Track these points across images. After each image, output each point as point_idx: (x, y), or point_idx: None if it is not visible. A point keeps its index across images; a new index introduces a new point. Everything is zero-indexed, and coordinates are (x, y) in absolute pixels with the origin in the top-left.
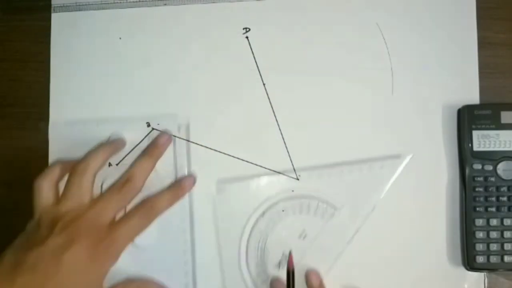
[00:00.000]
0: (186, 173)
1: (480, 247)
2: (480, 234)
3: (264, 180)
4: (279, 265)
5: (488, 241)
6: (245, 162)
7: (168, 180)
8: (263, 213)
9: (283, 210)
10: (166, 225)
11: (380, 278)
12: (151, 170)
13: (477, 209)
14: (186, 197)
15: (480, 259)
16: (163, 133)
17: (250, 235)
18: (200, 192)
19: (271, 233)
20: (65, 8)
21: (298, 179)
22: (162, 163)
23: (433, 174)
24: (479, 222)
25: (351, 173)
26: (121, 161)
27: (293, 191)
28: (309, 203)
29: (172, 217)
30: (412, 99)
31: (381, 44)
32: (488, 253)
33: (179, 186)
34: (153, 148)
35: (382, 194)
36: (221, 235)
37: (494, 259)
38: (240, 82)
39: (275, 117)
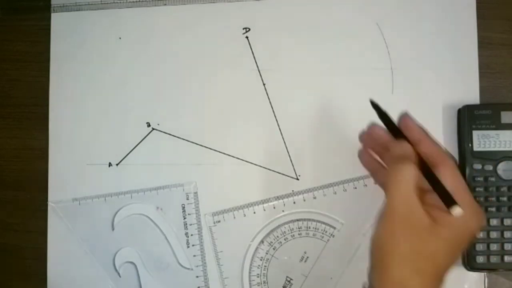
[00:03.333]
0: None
1: (480, 247)
2: (480, 234)
3: (260, 206)
4: None
5: (488, 241)
6: (245, 162)
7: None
8: (262, 241)
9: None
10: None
11: None
12: None
13: (488, 209)
14: (194, 217)
15: (480, 259)
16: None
17: (251, 263)
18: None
19: (272, 259)
20: (65, 8)
21: (298, 179)
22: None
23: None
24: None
25: (347, 191)
26: (121, 161)
27: (282, 211)
28: (308, 225)
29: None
30: (412, 99)
31: (381, 44)
32: (488, 253)
33: None
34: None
35: (379, 209)
36: (222, 265)
37: (494, 259)
38: (240, 82)
39: (275, 117)
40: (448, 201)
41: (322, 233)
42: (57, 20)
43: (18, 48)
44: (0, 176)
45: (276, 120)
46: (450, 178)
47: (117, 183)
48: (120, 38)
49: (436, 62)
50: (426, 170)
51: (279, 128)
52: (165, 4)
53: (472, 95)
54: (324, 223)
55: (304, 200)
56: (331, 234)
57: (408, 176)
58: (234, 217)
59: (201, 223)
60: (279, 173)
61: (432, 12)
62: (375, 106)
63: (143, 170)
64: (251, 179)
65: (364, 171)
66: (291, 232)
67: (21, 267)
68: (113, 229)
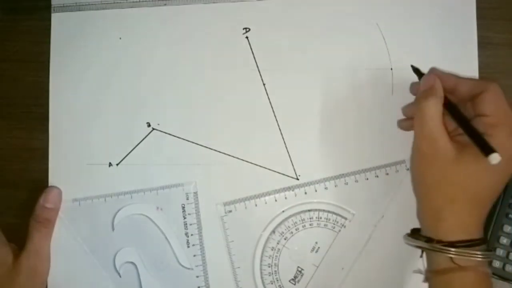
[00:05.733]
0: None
1: (500, 252)
2: (504, 240)
3: (271, 197)
4: (294, 280)
5: (509, 249)
6: (245, 162)
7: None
8: (274, 231)
9: (283, 211)
10: (178, 250)
11: (388, 276)
12: None
13: (509, 215)
14: (194, 216)
15: (497, 263)
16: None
17: (262, 253)
18: (208, 213)
19: (284, 249)
20: (65, 8)
21: (298, 179)
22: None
23: None
24: (507, 229)
25: (359, 182)
26: (121, 161)
27: (294, 202)
28: (319, 215)
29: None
30: (412, 99)
31: (381, 44)
32: (505, 261)
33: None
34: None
35: (390, 199)
36: (234, 255)
37: (510, 268)
38: (240, 82)
39: (275, 117)
40: (485, 148)
41: (334, 224)
42: (57, 20)
43: (18, 48)
44: (0, 176)
45: (276, 120)
46: (492, 104)
47: (117, 183)
48: (120, 38)
49: (436, 62)
50: (458, 116)
51: (279, 128)
52: (165, 4)
53: None
54: (335, 213)
55: (316, 191)
56: (343, 225)
57: (429, 111)
58: (246, 207)
59: (201, 223)
60: (279, 173)
61: (432, 12)
62: (415, 70)
63: (143, 170)
64: (251, 179)
65: (372, 163)
66: (302, 223)
67: None
68: (113, 229)
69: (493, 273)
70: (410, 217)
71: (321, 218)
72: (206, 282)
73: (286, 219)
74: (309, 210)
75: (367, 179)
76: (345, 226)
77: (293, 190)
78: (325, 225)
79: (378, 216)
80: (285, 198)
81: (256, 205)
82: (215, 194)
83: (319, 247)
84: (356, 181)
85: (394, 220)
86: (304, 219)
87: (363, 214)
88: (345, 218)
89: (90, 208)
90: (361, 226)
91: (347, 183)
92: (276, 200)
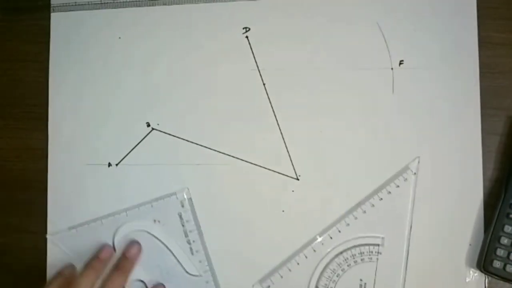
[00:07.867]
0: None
1: (501, 252)
2: (505, 241)
3: (301, 255)
4: None
5: (510, 249)
6: (245, 162)
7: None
8: (317, 286)
9: (283, 211)
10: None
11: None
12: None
13: (510, 215)
14: (193, 223)
15: (497, 264)
16: (133, 243)
17: None
18: (207, 215)
19: None
20: (65, 8)
21: (298, 179)
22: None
23: (439, 173)
24: (508, 229)
25: (375, 205)
26: (120, 161)
27: (326, 251)
28: (353, 252)
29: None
30: (412, 98)
31: (381, 44)
32: (506, 261)
33: (125, 260)
34: (125, 261)
35: (411, 207)
36: None
37: (510, 268)
38: (240, 82)
39: (275, 117)
40: None
41: (369, 254)
42: (57, 20)
43: (18, 48)
44: (0, 176)
45: (276, 120)
46: None
47: (117, 183)
48: (120, 37)
49: (436, 62)
50: None
51: (279, 128)
52: (165, 4)
53: (472, 95)
54: (366, 244)
55: (339, 231)
56: (378, 252)
57: None
58: (281, 276)
59: (201, 228)
60: (279, 173)
61: (433, 11)
62: None
63: (143, 170)
64: (251, 179)
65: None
66: (340, 267)
67: (21, 267)
68: (115, 250)
69: (494, 273)
70: (436, 215)
71: (355, 255)
72: (216, 286)
73: (324, 269)
74: (341, 253)
75: (381, 199)
76: (380, 253)
77: (320, 238)
78: (361, 259)
79: (407, 228)
80: (314, 251)
81: (290, 270)
82: (215, 194)
83: (365, 283)
84: (373, 205)
85: (423, 225)
86: (340, 263)
87: (392, 233)
88: (377, 244)
89: (88, 233)
90: (395, 245)
91: (365, 211)
92: (307, 257)
